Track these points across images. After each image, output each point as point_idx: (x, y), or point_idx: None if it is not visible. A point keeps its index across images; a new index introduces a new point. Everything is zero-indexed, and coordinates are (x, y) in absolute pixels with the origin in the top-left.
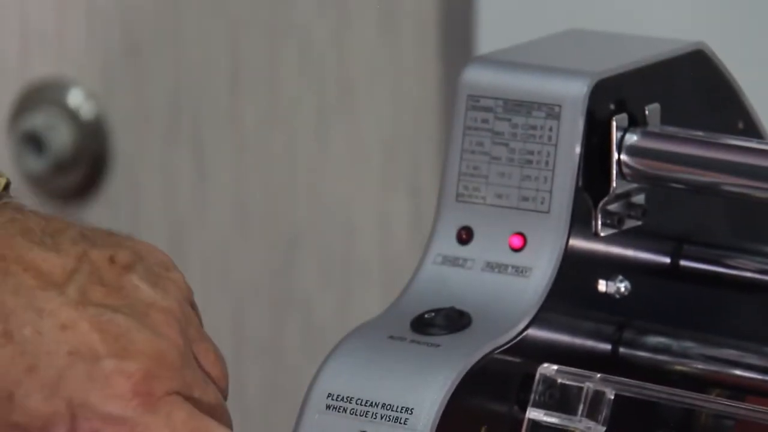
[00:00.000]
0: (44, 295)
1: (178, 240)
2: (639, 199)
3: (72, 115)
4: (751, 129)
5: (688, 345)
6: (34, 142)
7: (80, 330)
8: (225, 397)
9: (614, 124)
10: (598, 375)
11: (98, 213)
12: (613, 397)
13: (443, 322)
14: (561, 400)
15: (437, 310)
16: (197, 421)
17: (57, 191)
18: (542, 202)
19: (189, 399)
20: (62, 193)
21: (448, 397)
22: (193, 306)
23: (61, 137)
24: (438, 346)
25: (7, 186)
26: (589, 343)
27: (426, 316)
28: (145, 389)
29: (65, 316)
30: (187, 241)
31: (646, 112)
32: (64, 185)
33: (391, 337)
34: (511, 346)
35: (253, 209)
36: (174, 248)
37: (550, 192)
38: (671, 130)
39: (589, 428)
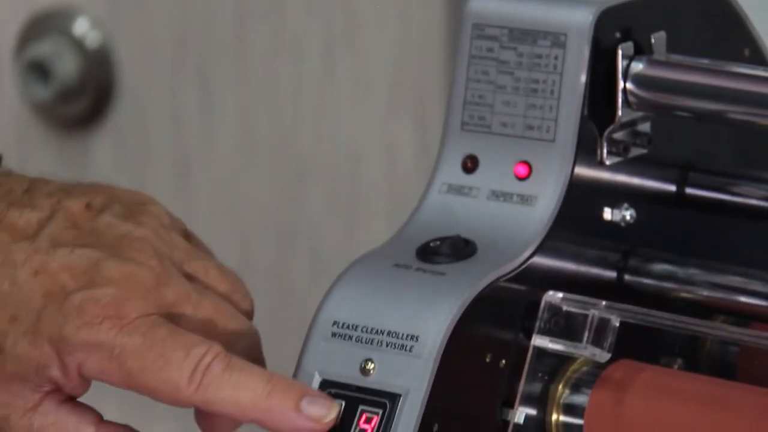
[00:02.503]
0: (17, 247)
1: (185, 169)
2: (644, 127)
3: (78, 44)
4: (757, 56)
5: (693, 272)
6: (39, 70)
7: (51, 271)
8: (247, 308)
9: (620, 52)
10: (604, 302)
11: (104, 142)
12: (618, 325)
13: (448, 250)
14: (566, 327)
15: (442, 239)
16: (177, 337)
17: (63, 120)
18: (547, 131)
19: (177, 316)
20: (68, 122)
21: (453, 325)
22: (187, 234)
23: (66, 66)
24: (443, 274)
25: None
26: (595, 271)
27: (431, 244)
28: (114, 312)
29: (37, 263)
30: (194, 170)
31: (652, 41)
32: (69, 114)
33: (397, 266)
34: (516, 274)
35: (259, 139)
36: (180, 177)
37: (556, 121)
38: (677, 58)
39: (594, 355)
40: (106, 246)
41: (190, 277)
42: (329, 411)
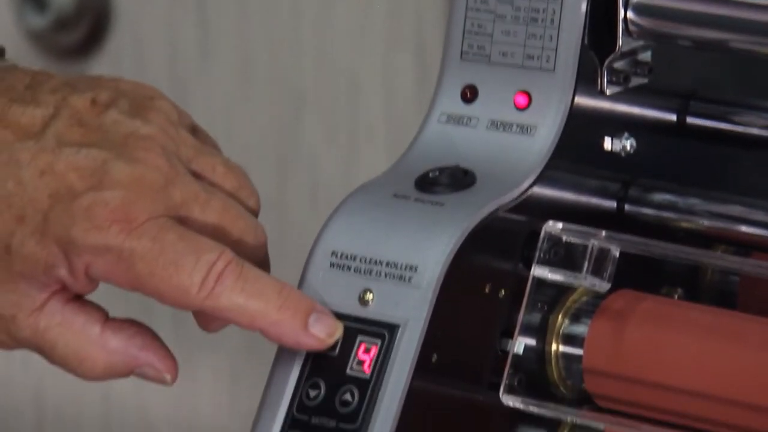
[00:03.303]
0: (22, 146)
1: (182, 97)
2: (645, 56)
3: None
4: None
5: (694, 202)
6: None
7: (57, 171)
8: (253, 206)
9: None
10: (604, 232)
11: (101, 70)
12: (618, 254)
13: (448, 180)
14: (566, 257)
15: (442, 169)
16: (188, 241)
17: (59, 48)
18: (547, 60)
19: (186, 217)
20: (64, 50)
21: (452, 255)
22: (194, 129)
23: None
24: (442, 204)
25: (1, 53)
26: (595, 201)
27: (430, 174)
28: (123, 215)
29: (43, 162)
30: (191, 98)
31: None
32: (66, 42)
33: (396, 196)
34: (515, 204)
35: (257, 66)
36: (178, 103)
37: (556, 50)
38: None
39: (594, 285)
40: (113, 145)
41: (197, 175)
42: (334, 331)
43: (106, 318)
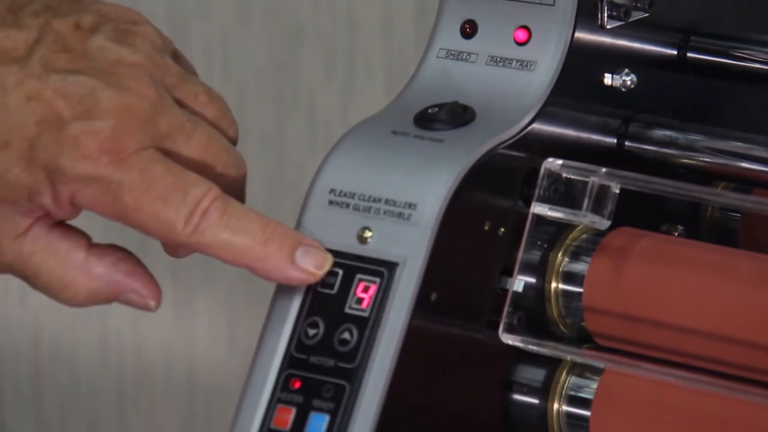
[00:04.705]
0: (6, 70)
1: (180, 31)
2: None
3: None
4: None
5: (694, 138)
6: None
7: (45, 98)
8: (233, 135)
9: None
10: (604, 169)
11: None
12: (618, 191)
13: (447, 116)
14: (566, 194)
15: (441, 105)
16: (175, 176)
17: None
18: None
19: (170, 150)
20: None
21: (452, 193)
22: (176, 55)
23: None
24: (441, 141)
25: None
26: (595, 137)
27: (429, 110)
28: (113, 146)
29: (29, 88)
30: (189, 32)
31: None
32: None
33: (395, 133)
34: (515, 140)
35: (255, 1)
36: (175, 40)
37: None
38: None
39: (594, 223)
40: (101, 73)
41: (180, 103)
42: (323, 263)
43: (90, 244)
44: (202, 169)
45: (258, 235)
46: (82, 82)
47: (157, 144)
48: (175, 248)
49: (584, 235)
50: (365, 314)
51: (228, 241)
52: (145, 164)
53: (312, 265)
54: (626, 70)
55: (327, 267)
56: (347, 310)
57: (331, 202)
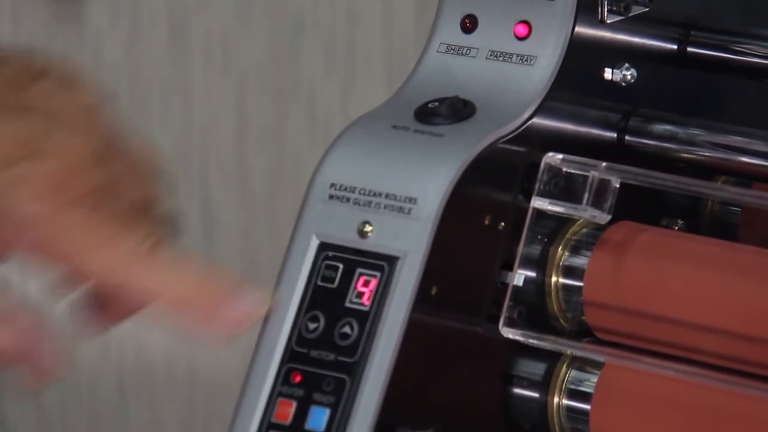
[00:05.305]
0: None
1: (180, 26)
2: None
3: None
4: None
5: (695, 132)
6: None
7: None
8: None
9: None
10: (604, 163)
11: (99, 2)
12: (618, 186)
13: (447, 111)
14: (566, 188)
15: (441, 100)
16: (118, 220)
17: None
18: None
19: (113, 193)
20: None
21: (452, 187)
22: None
23: None
24: (442, 135)
25: None
26: (595, 132)
27: (430, 105)
28: (58, 188)
29: None
30: (189, 26)
31: None
32: None
33: (395, 127)
34: (515, 135)
35: None
36: (176, 35)
37: None
38: None
39: (594, 217)
40: (49, 116)
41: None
42: (252, 314)
43: None
44: (141, 211)
45: (190, 284)
46: (30, 126)
47: (99, 188)
48: (106, 296)
49: (584, 230)
50: (366, 308)
51: (161, 287)
52: (89, 208)
53: (240, 317)
54: (626, 65)
55: (261, 312)
56: (348, 304)
57: (331, 197)
